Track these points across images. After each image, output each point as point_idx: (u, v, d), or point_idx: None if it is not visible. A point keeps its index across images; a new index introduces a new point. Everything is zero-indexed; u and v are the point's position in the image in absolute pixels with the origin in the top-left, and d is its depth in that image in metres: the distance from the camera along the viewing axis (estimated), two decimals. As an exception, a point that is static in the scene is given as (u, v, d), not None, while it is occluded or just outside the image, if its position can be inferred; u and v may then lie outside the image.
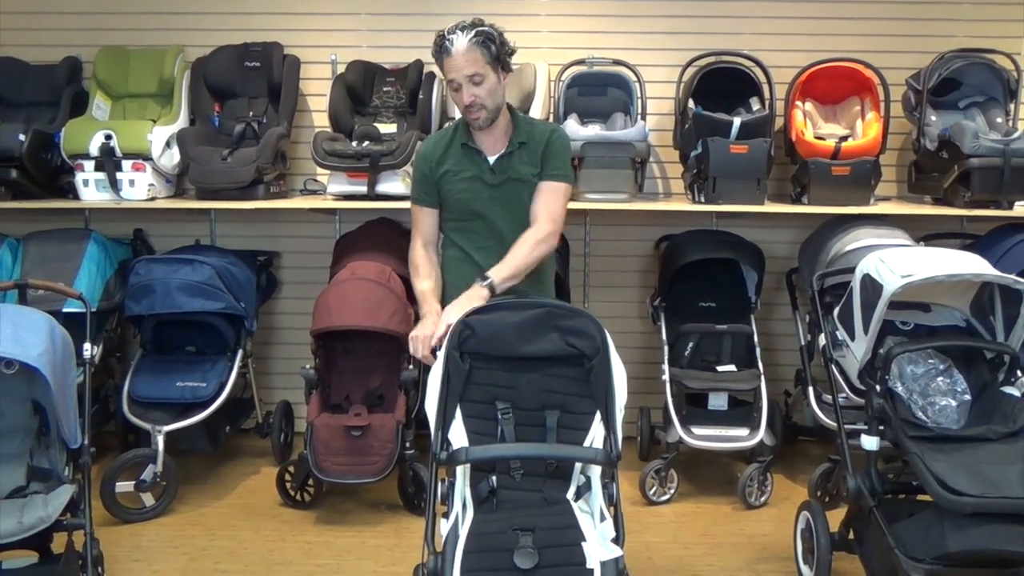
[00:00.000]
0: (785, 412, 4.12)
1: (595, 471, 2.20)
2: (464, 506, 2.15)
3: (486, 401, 2.24)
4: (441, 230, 2.72)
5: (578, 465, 2.27)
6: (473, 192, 2.59)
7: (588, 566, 1.94)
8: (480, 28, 2.46)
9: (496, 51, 2.47)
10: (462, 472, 2.18)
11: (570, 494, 2.23)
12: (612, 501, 2.14)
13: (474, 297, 2.40)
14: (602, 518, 2.11)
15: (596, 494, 2.16)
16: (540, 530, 2.02)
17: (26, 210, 3.90)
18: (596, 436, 2.21)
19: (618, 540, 2.04)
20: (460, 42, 2.43)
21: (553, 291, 2.77)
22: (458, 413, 2.20)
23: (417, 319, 3.66)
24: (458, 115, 3.85)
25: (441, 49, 2.47)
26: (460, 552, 1.98)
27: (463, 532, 2.05)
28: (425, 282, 2.60)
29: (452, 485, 2.17)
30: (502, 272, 2.47)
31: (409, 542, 3.25)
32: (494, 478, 2.22)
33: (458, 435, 2.18)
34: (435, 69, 3.95)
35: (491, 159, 2.60)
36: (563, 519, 2.11)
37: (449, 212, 2.66)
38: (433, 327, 2.39)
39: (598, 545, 2.00)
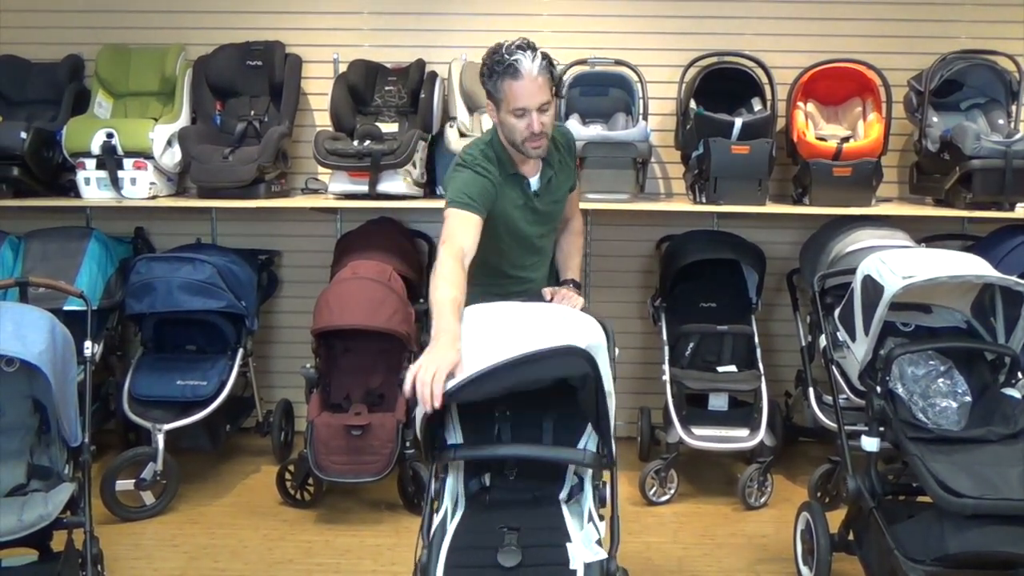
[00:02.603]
0: (785, 413, 4.12)
1: (588, 472, 2.19)
2: (456, 503, 2.16)
3: (483, 402, 2.23)
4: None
5: (572, 467, 2.26)
6: (526, 221, 2.54)
7: (571, 567, 1.93)
8: (541, 51, 2.35)
9: (555, 76, 2.40)
10: (454, 469, 2.19)
11: (563, 495, 2.23)
12: (605, 503, 2.12)
13: (576, 299, 2.46)
14: (590, 520, 2.10)
15: (587, 496, 2.16)
16: (526, 529, 2.02)
17: (27, 208, 3.89)
18: (591, 439, 2.20)
19: (612, 542, 2.03)
20: (530, 66, 2.30)
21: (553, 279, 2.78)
22: (455, 411, 2.20)
23: (418, 319, 3.67)
24: (459, 114, 3.84)
25: (506, 70, 2.31)
26: (446, 548, 1.98)
27: (451, 528, 2.06)
28: (451, 290, 2.11)
29: (444, 481, 2.17)
30: (576, 270, 2.71)
31: (409, 542, 3.22)
32: (487, 476, 2.22)
33: (453, 433, 2.17)
34: (437, 68, 4.00)
35: (533, 183, 2.54)
36: (550, 520, 2.12)
37: (496, 238, 2.51)
38: (446, 359, 1.89)
39: (583, 546, 2.00)
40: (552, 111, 2.40)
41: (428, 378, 1.85)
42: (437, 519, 2.11)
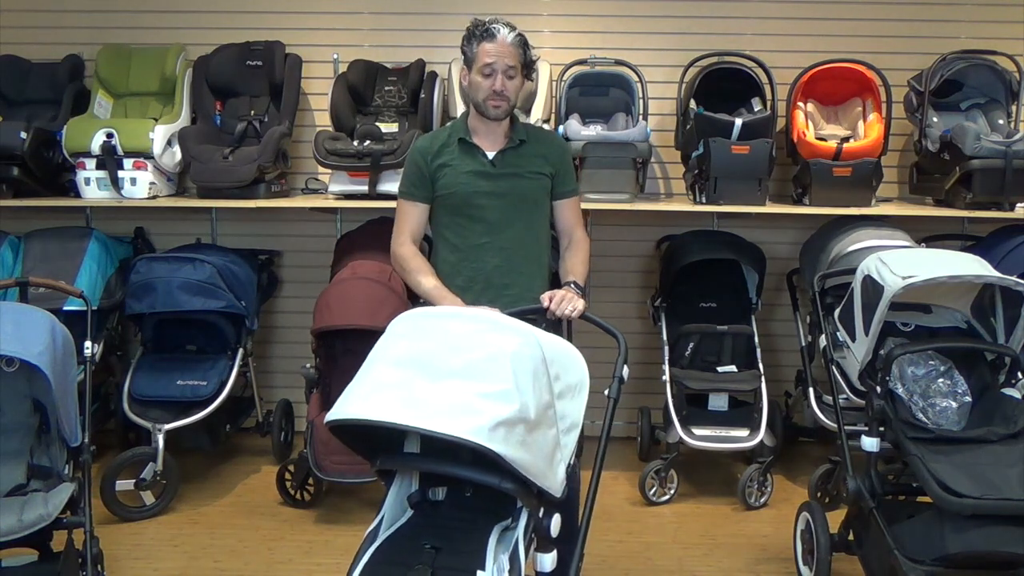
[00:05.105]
0: (785, 413, 4.12)
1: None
2: (404, 512, 2.09)
3: None
4: (432, 230, 2.75)
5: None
6: (472, 185, 2.61)
7: None
8: (519, 30, 2.57)
9: (528, 57, 2.59)
10: (403, 477, 2.12)
11: (508, 521, 2.04)
12: (547, 538, 1.89)
13: (576, 301, 2.47)
14: (513, 551, 1.90)
15: (520, 525, 1.95)
16: (448, 551, 1.91)
17: (27, 208, 3.90)
18: None
19: None
20: (505, 33, 2.52)
21: (547, 288, 2.73)
22: None
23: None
24: (459, 114, 3.83)
25: (484, 33, 2.52)
26: (366, 558, 1.92)
27: (381, 537, 2.00)
28: (431, 278, 2.58)
29: (388, 487, 2.11)
30: (578, 275, 2.70)
31: (409, 541, 3.25)
32: (442, 491, 2.12)
33: (411, 442, 2.04)
34: (437, 68, 4.00)
35: (490, 154, 2.63)
36: (476, 544, 1.95)
37: (444, 208, 2.67)
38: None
39: None
40: (518, 81, 2.57)
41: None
42: (371, 526, 2.03)
